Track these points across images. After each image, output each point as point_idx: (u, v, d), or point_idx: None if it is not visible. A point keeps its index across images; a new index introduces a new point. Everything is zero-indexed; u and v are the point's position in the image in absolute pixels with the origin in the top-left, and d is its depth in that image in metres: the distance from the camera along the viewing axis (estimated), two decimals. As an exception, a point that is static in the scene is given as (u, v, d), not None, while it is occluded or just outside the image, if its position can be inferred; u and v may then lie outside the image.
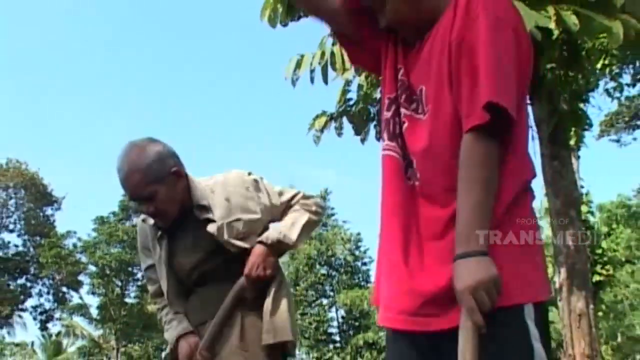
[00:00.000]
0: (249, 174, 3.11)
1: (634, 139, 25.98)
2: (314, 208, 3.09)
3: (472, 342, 1.52)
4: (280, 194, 3.10)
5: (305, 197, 3.11)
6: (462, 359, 1.51)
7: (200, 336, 2.95)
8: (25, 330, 36.08)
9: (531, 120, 7.77)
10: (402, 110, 1.88)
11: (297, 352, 30.96)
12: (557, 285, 7.67)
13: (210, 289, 2.99)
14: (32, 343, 31.44)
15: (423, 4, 1.85)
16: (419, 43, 1.90)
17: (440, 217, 1.74)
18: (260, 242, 2.88)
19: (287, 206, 3.08)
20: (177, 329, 3.06)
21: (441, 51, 1.78)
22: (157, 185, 2.83)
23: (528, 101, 7.75)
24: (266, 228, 3.00)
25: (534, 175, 1.82)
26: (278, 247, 2.94)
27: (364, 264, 31.95)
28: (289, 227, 2.95)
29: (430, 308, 1.68)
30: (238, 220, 2.92)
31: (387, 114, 1.95)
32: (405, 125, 1.87)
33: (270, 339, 2.83)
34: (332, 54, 7.45)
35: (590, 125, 8.26)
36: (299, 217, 3.00)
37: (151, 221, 3.04)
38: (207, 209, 2.94)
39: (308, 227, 3.04)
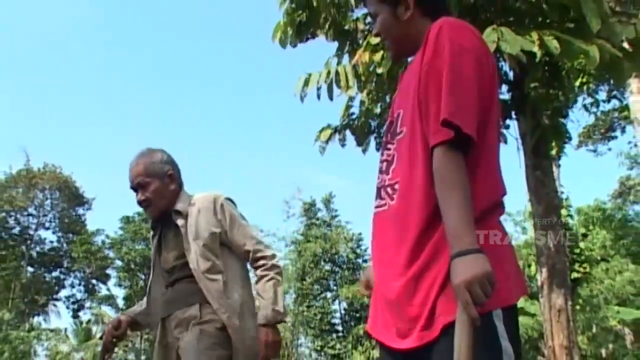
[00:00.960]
0: (227, 198, 3.34)
1: (609, 149, 26.14)
2: (279, 270, 3.23)
3: (468, 334, 1.51)
4: (244, 235, 3.23)
5: (273, 265, 3.21)
6: (457, 350, 1.51)
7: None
8: (59, 317, 36.14)
9: (516, 134, 7.79)
10: (389, 140, 1.98)
11: (303, 340, 31.03)
12: (539, 283, 7.68)
13: (179, 288, 3.16)
14: (65, 329, 31.44)
15: (412, 25, 2.01)
16: (403, 72, 2.09)
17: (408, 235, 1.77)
18: (264, 325, 3.05)
19: (255, 259, 3.21)
20: (134, 307, 3.46)
21: (414, 78, 1.87)
22: (152, 178, 3.20)
23: (513, 116, 7.82)
24: (221, 242, 3.20)
25: (503, 194, 1.83)
26: (274, 322, 3.08)
27: (365, 261, 31.88)
28: (273, 302, 3.09)
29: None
30: (202, 233, 3.14)
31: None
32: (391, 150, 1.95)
33: None
34: (337, 73, 7.49)
35: (570, 138, 8.25)
36: (277, 286, 3.15)
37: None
38: (181, 214, 3.20)
39: (282, 292, 3.19)
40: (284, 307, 3.15)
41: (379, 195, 1.95)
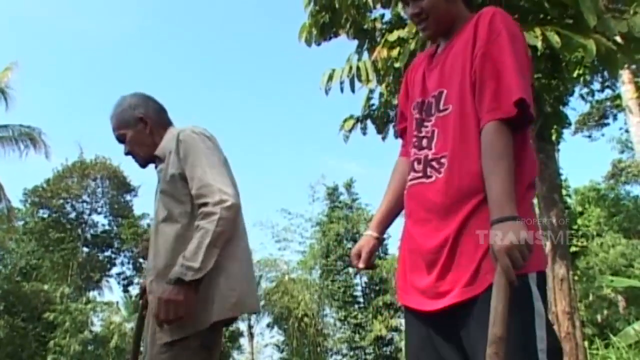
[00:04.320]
0: (193, 131, 2.56)
1: (602, 134, 25.91)
2: (215, 217, 2.30)
3: (505, 296, 1.47)
4: (191, 174, 2.44)
5: (210, 212, 2.32)
6: (494, 311, 1.46)
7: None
8: (112, 292, 36.37)
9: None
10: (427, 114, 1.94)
11: (328, 311, 31.11)
12: (543, 255, 7.69)
13: (154, 239, 2.57)
14: (117, 302, 31.71)
15: (455, 6, 1.97)
16: (439, 54, 2.00)
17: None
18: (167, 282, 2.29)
19: (198, 205, 2.40)
20: None
21: (461, 60, 1.84)
22: (126, 129, 2.68)
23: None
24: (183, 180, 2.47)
25: (538, 174, 1.85)
26: (183, 281, 2.26)
27: (383, 239, 31.81)
28: (189, 257, 2.26)
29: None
30: (165, 177, 2.55)
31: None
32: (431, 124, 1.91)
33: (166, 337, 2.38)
34: (358, 68, 7.52)
35: (570, 124, 8.24)
36: (203, 237, 2.29)
37: None
38: (161, 160, 2.62)
39: (214, 243, 2.28)
40: (203, 262, 2.25)
41: (417, 168, 1.88)
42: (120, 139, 2.72)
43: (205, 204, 2.35)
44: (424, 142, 1.89)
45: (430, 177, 1.82)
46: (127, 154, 2.72)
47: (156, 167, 2.70)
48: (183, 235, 2.41)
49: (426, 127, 1.91)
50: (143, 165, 2.75)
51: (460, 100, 1.81)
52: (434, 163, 1.82)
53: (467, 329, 1.68)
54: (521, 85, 1.68)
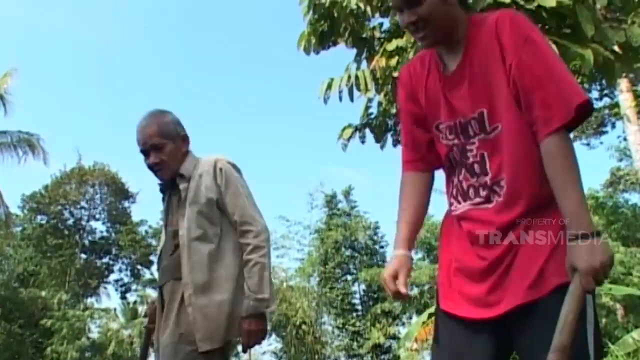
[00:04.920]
0: (229, 162, 2.88)
1: (601, 142, 25.98)
2: (264, 251, 2.74)
3: (578, 306, 1.47)
4: (235, 204, 2.77)
5: (257, 246, 2.74)
6: (564, 318, 1.46)
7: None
8: (109, 299, 36.35)
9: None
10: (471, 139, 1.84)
11: (326, 318, 31.09)
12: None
13: (174, 256, 2.78)
14: (115, 309, 31.65)
15: (454, 9, 1.82)
16: (458, 69, 1.84)
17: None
18: (247, 316, 2.65)
19: (241, 233, 2.76)
20: None
21: (497, 75, 1.74)
22: (167, 140, 2.79)
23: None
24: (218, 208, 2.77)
25: None
26: (257, 312, 2.67)
27: (381, 247, 31.78)
28: (258, 289, 2.66)
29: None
30: (200, 199, 2.76)
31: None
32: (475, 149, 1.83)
33: (206, 346, 2.61)
34: (357, 77, 7.52)
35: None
36: (261, 271, 2.69)
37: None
38: (184, 178, 2.82)
39: (269, 273, 2.73)
40: (271, 292, 2.70)
41: (477, 195, 1.82)
42: (156, 148, 2.78)
43: (248, 232, 2.73)
44: (476, 167, 1.82)
45: (492, 201, 1.78)
46: (155, 163, 2.80)
47: (172, 184, 2.87)
48: (215, 254, 2.71)
49: (471, 151, 1.83)
50: (166, 178, 2.86)
51: (508, 118, 1.74)
52: (495, 187, 1.77)
53: (525, 330, 1.66)
54: (575, 89, 1.63)
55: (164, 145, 2.79)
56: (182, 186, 2.80)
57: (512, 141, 1.73)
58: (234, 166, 2.88)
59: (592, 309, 1.60)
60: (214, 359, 2.64)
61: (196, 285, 2.66)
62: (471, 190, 1.84)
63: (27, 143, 22.46)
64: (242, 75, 58.16)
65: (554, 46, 5.45)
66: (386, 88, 7.38)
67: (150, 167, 2.84)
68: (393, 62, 6.82)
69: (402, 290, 1.88)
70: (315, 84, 8.00)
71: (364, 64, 7.98)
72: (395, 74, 6.79)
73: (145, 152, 2.83)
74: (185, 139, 2.89)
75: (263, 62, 58.25)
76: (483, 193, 1.80)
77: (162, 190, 2.98)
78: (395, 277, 1.89)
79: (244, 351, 2.80)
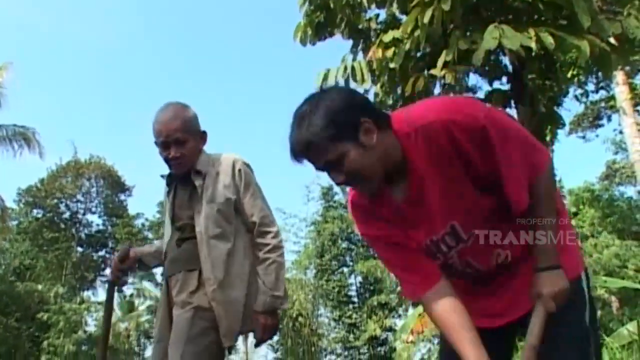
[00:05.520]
0: (245, 163, 2.91)
1: (597, 135, 26.07)
2: (281, 252, 2.83)
3: (542, 321, 1.72)
4: (253, 205, 2.82)
5: (275, 246, 2.81)
6: (531, 330, 1.71)
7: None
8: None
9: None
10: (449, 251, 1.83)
11: (323, 310, 31.12)
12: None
13: (185, 248, 2.80)
14: (111, 303, 31.69)
15: (379, 150, 1.63)
16: (406, 195, 1.73)
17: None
18: (262, 312, 2.72)
19: (258, 233, 2.82)
20: (146, 245, 3.11)
21: (451, 180, 1.68)
22: (190, 135, 2.78)
23: (513, 105, 7.80)
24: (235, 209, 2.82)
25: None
26: (272, 308, 2.75)
27: None
28: (273, 287, 2.73)
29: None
30: (218, 197, 2.79)
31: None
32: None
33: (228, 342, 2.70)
34: (353, 68, 7.53)
35: (564, 124, 8.24)
36: (278, 270, 2.77)
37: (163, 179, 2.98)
38: (201, 175, 2.82)
39: (284, 273, 2.82)
40: (285, 291, 2.80)
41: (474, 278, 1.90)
42: (178, 142, 2.76)
43: (268, 232, 2.80)
44: (466, 275, 1.90)
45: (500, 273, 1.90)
46: (176, 158, 2.77)
47: (183, 178, 2.88)
48: (232, 252, 2.76)
49: (455, 263, 1.85)
50: (182, 173, 2.86)
51: (480, 223, 1.77)
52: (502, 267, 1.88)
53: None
54: (534, 146, 1.75)
55: (187, 141, 2.77)
56: (197, 182, 2.81)
57: (488, 234, 1.80)
58: (250, 167, 2.93)
59: (589, 297, 1.83)
60: (223, 350, 2.75)
61: (219, 281, 2.70)
62: (472, 282, 1.94)
63: (22, 137, 22.40)
64: (236, 67, 58.19)
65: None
66: (382, 79, 7.38)
67: (167, 160, 2.81)
68: (389, 53, 6.82)
69: None
70: (311, 75, 8.01)
71: (360, 55, 8.00)
72: (392, 65, 6.80)
73: (164, 145, 2.78)
74: (203, 136, 2.90)
75: (259, 54, 58.27)
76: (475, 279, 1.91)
77: (168, 183, 2.99)
78: None
79: (258, 345, 2.88)
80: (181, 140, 2.76)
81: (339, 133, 1.60)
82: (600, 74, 8.79)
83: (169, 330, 2.74)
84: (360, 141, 1.61)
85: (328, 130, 1.59)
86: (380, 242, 1.91)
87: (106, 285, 3.28)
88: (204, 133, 2.90)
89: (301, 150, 1.65)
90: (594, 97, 17.10)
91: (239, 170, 2.85)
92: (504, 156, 1.63)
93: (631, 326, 6.91)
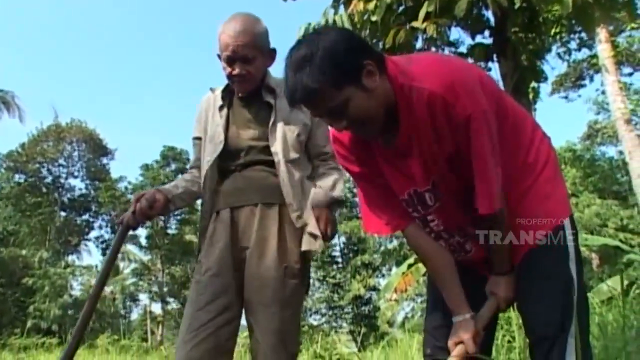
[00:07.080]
0: None
1: (579, 95, 26.36)
2: (342, 175, 2.64)
3: (491, 312, 1.87)
4: (326, 137, 2.52)
5: (335, 167, 2.62)
6: (480, 315, 1.84)
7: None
8: (90, 256, 36.60)
9: (497, 75, 7.73)
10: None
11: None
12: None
13: (252, 175, 2.55)
14: (96, 266, 31.73)
15: (379, 94, 1.59)
16: (395, 143, 1.70)
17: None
18: (317, 207, 2.52)
19: (325, 159, 2.66)
20: (167, 185, 2.82)
21: (436, 143, 1.66)
22: (259, 52, 2.50)
23: (495, 59, 7.76)
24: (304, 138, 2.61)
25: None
26: (332, 202, 2.56)
27: (360, 199, 32.05)
28: (331, 188, 2.56)
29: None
30: (296, 122, 2.57)
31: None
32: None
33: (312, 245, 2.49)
34: (334, 22, 7.43)
35: (546, 78, 8.26)
36: (338, 182, 2.61)
37: (218, 92, 2.68)
38: (274, 92, 2.58)
39: (342, 188, 2.65)
40: (341, 197, 2.62)
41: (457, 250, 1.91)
42: (245, 58, 2.49)
43: (333, 157, 2.55)
44: (443, 234, 1.88)
45: (470, 251, 1.92)
46: (241, 75, 2.52)
47: (251, 96, 2.62)
48: (304, 181, 2.57)
49: (433, 220, 1.85)
50: (244, 92, 2.61)
51: (451, 184, 1.76)
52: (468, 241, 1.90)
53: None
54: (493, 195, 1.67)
55: (255, 58, 2.51)
56: (270, 100, 2.58)
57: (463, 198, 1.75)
58: None
59: (573, 242, 1.79)
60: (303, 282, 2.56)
61: (301, 210, 2.51)
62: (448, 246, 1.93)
63: (1, 100, 22.19)
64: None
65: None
66: (364, 32, 7.29)
67: (235, 76, 2.53)
68: (371, 5, 6.74)
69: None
70: (293, 31, 7.90)
71: (341, 8, 7.88)
72: (373, 18, 6.71)
73: (229, 60, 2.52)
74: (272, 54, 2.61)
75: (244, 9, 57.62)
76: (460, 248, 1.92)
77: (222, 97, 2.69)
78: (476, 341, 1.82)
79: (327, 239, 2.57)
80: (249, 57, 2.49)
81: (343, 77, 1.53)
82: (583, 33, 8.76)
83: (231, 268, 2.47)
84: (363, 84, 1.55)
85: (332, 75, 1.52)
86: (357, 176, 1.91)
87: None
88: (274, 50, 2.61)
89: (302, 97, 1.56)
90: (577, 55, 17.10)
91: None
92: (476, 153, 1.62)
93: (611, 282, 7.00)
